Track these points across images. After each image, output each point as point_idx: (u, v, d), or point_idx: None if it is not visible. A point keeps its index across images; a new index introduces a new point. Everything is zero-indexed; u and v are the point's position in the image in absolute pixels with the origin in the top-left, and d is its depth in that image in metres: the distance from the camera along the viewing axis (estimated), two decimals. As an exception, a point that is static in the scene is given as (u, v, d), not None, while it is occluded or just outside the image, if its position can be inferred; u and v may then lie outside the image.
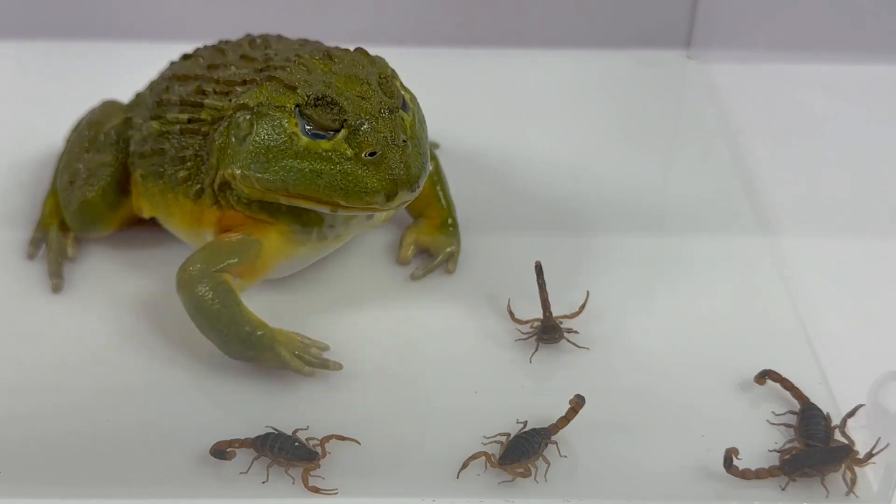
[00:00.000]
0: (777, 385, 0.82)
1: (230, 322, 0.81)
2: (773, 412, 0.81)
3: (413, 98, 0.84)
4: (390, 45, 1.24)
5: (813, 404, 0.80)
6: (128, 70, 1.18)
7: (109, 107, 1.01)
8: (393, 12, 1.24)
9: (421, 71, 1.20)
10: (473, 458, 0.76)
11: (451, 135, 1.09)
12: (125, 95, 1.03)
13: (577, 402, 0.79)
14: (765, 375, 0.82)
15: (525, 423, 0.79)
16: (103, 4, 1.22)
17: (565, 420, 0.78)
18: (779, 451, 0.78)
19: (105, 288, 0.92)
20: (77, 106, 1.03)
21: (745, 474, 0.76)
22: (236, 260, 0.83)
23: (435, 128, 1.07)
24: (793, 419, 0.80)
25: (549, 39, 1.25)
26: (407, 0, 1.24)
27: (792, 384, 0.81)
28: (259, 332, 0.81)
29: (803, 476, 0.76)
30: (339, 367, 0.83)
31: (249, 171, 0.80)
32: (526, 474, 0.76)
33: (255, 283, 0.86)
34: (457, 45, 1.24)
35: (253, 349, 0.81)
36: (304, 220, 0.84)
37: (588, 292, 0.88)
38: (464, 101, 1.17)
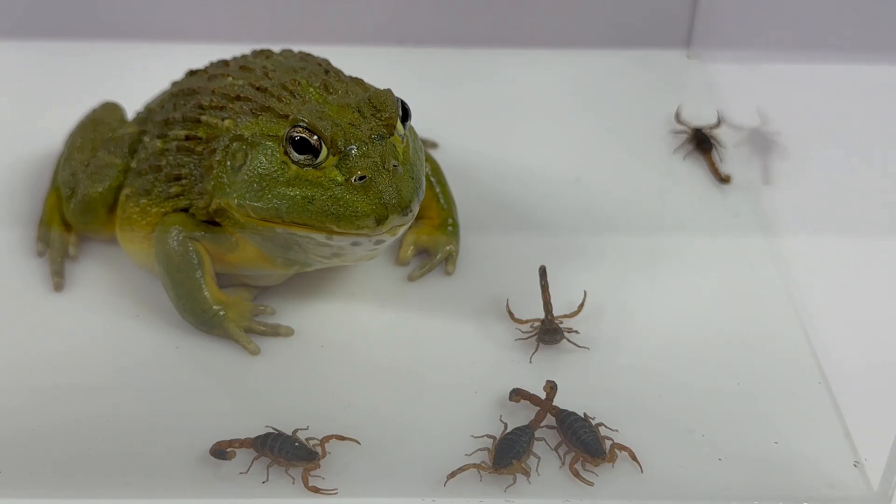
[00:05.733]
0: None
1: (188, 294, 0.85)
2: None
3: (412, 130, 0.84)
4: (390, 45, 1.25)
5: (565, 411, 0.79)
6: (128, 70, 1.19)
7: (109, 108, 1.02)
8: (393, 12, 1.24)
9: (421, 71, 1.21)
10: (462, 469, 0.76)
11: (450, 135, 1.09)
12: (125, 95, 1.04)
13: (550, 390, 0.79)
14: (515, 394, 0.81)
15: (506, 425, 0.79)
16: (104, 4, 1.22)
17: (543, 412, 0.79)
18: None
19: (106, 287, 0.92)
20: (77, 106, 1.03)
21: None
22: (209, 241, 0.86)
23: (434, 127, 1.07)
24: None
25: (549, 39, 1.25)
26: (407, 0, 1.24)
27: (539, 398, 0.80)
28: (211, 313, 0.85)
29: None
30: (290, 332, 0.87)
31: (245, 200, 0.81)
32: (526, 472, 0.76)
33: (223, 270, 0.88)
34: (457, 45, 1.24)
35: (204, 325, 0.86)
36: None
37: (585, 292, 0.88)
38: (463, 100, 1.17)
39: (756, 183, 1.03)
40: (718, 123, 1.11)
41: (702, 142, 1.08)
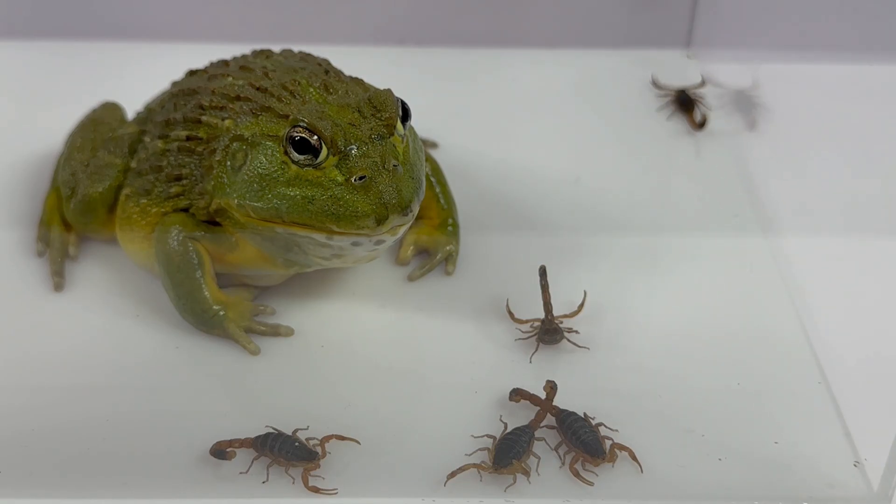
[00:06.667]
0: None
1: (188, 294, 0.85)
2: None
3: (412, 130, 0.84)
4: (390, 45, 1.25)
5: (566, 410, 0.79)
6: (128, 70, 1.19)
7: (109, 108, 1.02)
8: (393, 12, 1.24)
9: (421, 71, 1.21)
10: (462, 469, 0.76)
11: (450, 135, 1.09)
12: (125, 95, 1.04)
13: (550, 390, 0.80)
14: (515, 394, 0.81)
15: (506, 425, 0.79)
16: (104, 4, 1.22)
17: (543, 412, 0.79)
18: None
19: (106, 287, 0.92)
20: (77, 106, 1.03)
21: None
22: (209, 241, 0.86)
23: (434, 127, 1.07)
24: None
25: (549, 39, 1.25)
26: (407, 0, 1.24)
27: (539, 398, 0.80)
28: (211, 313, 0.85)
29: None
30: (290, 332, 0.87)
31: (245, 200, 0.81)
32: (526, 472, 0.76)
33: (223, 270, 0.88)
34: (457, 45, 1.24)
35: (204, 325, 0.86)
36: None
37: (585, 292, 0.88)
38: (463, 100, 1.17)
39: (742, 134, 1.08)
40: (703, 83, 1.15)
41: (684, 102, 1.12)
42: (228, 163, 0.83)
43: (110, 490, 0.76)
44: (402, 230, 0.82)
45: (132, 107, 1.01)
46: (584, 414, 0.79)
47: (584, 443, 0.76)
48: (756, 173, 1.06)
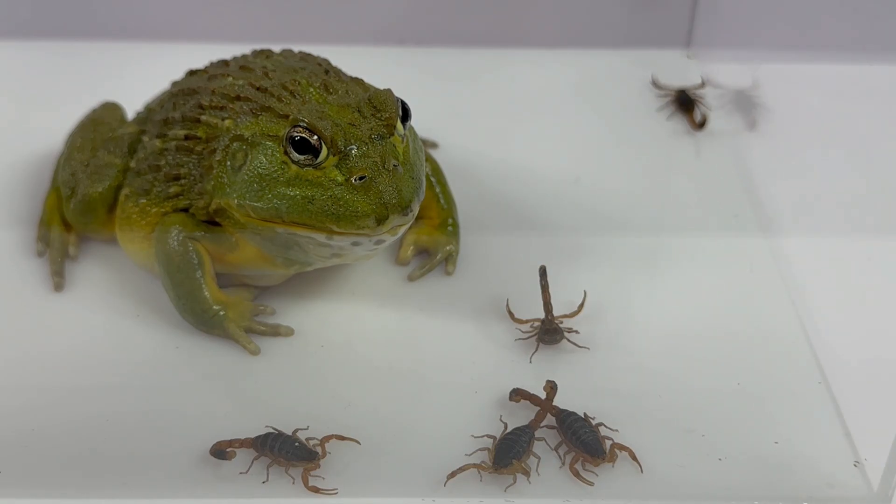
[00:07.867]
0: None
1: (188, 294, 0.85)
2: None
3: (412, 130, 0.84)
4: (390, 45, 1.25)
5: (566, 410, 0.79)
6: (128, 70, 1.19)
7: (109, 108, 1.02)
8: (393, 12, 1.24)
9: (421, 71, 1.21)
10: (462, 469, 0.76)
11: (450, 135, 1.09)
12: (125, 95, 1.04)
13: (550, 390, 0.80)
14: (515, 394, 0.81)
15: (506, 425, 0.79)
16: (104, 4, 1.22)
17: (543, 412, 0.79)
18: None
19: (106, 287, 0.92)
20: (77, 106, 1.03)
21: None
22: (209, 241, 0.86)
23: (434, 128, 1.07)
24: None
25: (549, 39, 1.25)
26: (407, 0, 1.24)
27: (539, 398, 0.80)
28: (211, 313, 0.85)
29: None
30: (290, 332, 0.87)
31: (245, 200, 0.81)
32: (526, 472, 0.76)
33: (223, 270, 0.88)
34: (457, 45, 1.24)
35: (204, 325, 0.86)
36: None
37: (585, 292, 0.88)
38: (463, 101, 1.17)
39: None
40: (703, 83, 1.16)
41: (684, 102, 1.13)
42: (228, 163, 0.83)
43: (110, 490, 0.76)
44: (402, 230, 0.82)
45: (132, 107, 1.01)
46: (584, 414, 0.79)
47: (584, 443, 0.76)
48: (756, 173, 1.06)
